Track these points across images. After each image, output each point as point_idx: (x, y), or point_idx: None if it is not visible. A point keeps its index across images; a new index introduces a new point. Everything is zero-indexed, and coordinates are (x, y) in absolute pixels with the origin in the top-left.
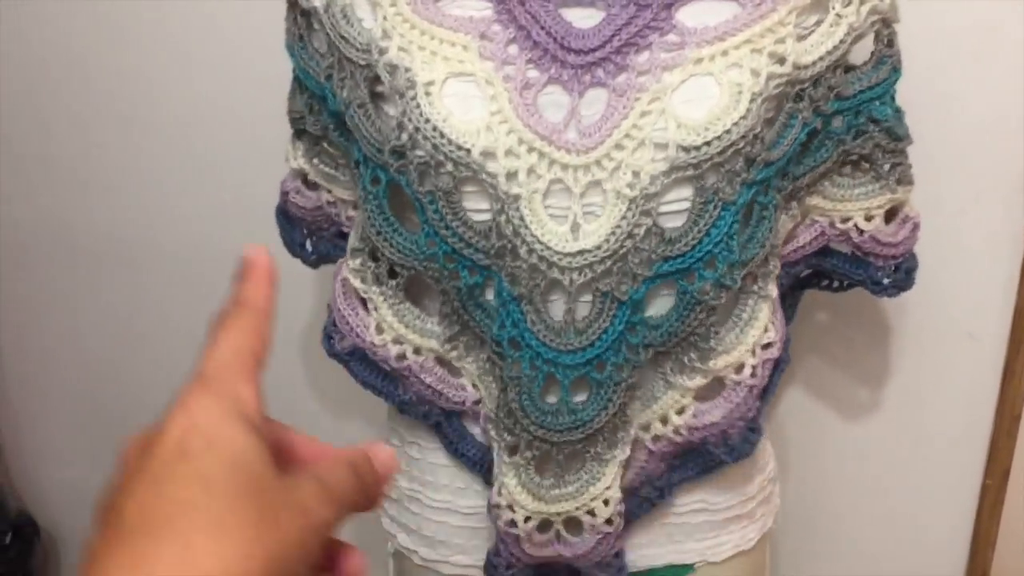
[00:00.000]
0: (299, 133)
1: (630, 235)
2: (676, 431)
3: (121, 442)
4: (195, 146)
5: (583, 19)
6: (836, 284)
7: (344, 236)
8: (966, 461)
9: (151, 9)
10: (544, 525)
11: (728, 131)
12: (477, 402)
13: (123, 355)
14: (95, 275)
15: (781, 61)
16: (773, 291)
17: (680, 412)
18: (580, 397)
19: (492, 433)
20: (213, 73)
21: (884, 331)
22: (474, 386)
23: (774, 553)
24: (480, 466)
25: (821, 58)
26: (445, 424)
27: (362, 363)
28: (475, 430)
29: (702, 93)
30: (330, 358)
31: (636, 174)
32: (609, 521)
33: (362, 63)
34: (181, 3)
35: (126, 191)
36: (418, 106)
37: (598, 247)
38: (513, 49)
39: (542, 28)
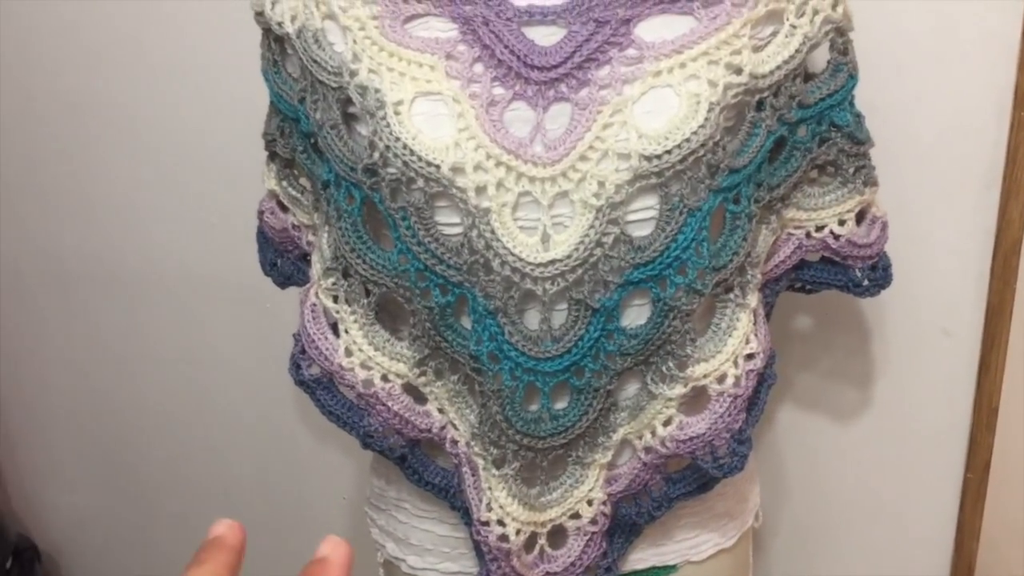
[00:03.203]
0: (272, 155)
1: (599, 243)
2: (663, 443)
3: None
4: (181, 169)
5: (545, 37)
6: (809, 287)
7: (306, 259)
8: (947, 456)
9: (134, 37)
10: (530, 541)
11: (688, 139)
12: (443, 428)
13: (121, 378)
14: (91, 299)
15: (738, 71)
16: (753, 301)
17: (666, 424)
18: (561, 404)
19: (476, 449)
20: (198, 97)
21: (863, 333)
22: (440, 411)
23: (764, 553)
24: (446, 492)
25: (778, 67)
26: (410, 456)
27: (328, 392)
28: (438, 458)
29: (662, 104)
30: (297, 386)
31: (601, 184)
32: (594, 521)
33: (334, 85)
34: (166, 29)
35: (116, 216)
36: (388, 125)
37: (568, 256)
38: (479, 68)
39: (506, 47)
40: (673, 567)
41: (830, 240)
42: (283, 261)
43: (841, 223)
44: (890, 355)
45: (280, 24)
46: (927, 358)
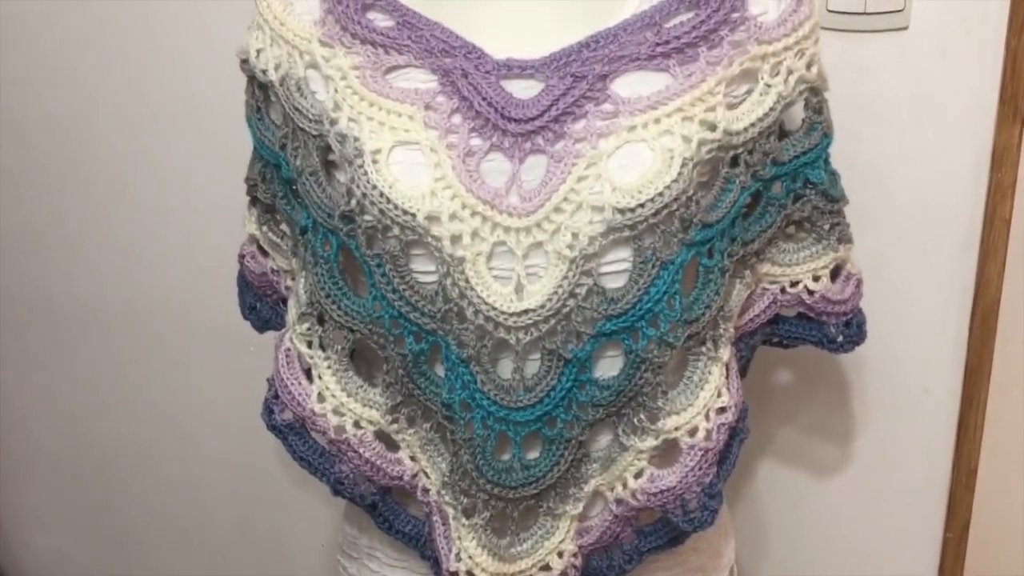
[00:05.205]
0: (254, 200)
1: (572, 294)
2: (633, 495)
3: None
4: (167, 211)
5: (523, 90)
6: (785, 342)
7: (284, 304)
8: (927, 515)
9: (126, 78)
10: None
11: (661, 193)
12: (414, 476)
13: (103, 420)
14: (75, 340)
15: (712, 128)
16: (725, 355)
17: (637, 476)
18: (533, 454)
19: (447, 498)
20: (187, 140)
21: (843, 389)
22: (412, 459)
23: None
24: (416, 541)
25: (752, 124)
26: (381, 503)
27: (300, 437)
28: (410, 506)
29: (636, 158)
30: (269, 431)
31: (575, 235)
32: (564, 574)
33: (314, 133)
34: (159, 71)
35: (104, 258)
36: (365, 173)
37: (541, 306)
38: (457, 119)
39: (484, 99)
40: None
41: (804, 296)
42: (262, 305)
43: (815, 279)
44: (870, 412)
45: (264, 72)
46: (906, 416)
